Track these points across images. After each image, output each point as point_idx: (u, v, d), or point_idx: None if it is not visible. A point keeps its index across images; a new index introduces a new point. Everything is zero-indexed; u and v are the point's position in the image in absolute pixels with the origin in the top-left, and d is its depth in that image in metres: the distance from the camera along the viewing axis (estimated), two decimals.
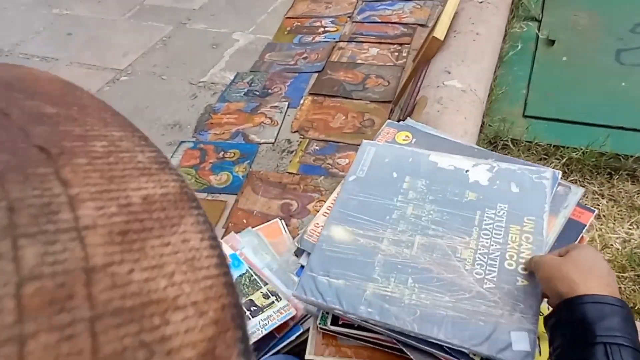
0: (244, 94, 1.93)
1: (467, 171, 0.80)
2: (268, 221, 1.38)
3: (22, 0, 2.99)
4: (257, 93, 1.93)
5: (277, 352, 1.03)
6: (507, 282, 0.65)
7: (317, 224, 0.83)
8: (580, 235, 0.75)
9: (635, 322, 0.50)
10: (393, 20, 2.18)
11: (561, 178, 0.81)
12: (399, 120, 1.05)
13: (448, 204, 0.76)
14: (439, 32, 1.48)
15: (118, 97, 2.07)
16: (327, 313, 0.79)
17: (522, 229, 0.70)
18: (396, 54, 1.98)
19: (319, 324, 0.78)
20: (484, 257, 0.68)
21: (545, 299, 0.64)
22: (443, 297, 0.65)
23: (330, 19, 2.29)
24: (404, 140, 0.94)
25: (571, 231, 0.76)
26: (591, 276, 0.52)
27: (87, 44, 2.46)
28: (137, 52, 2.33)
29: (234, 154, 1.66)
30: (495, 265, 0.67)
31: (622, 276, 1.13)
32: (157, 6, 2.69)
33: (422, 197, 0.78)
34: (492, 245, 0.69)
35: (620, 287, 1.11)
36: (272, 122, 1.77)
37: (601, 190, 1.33)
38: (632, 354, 0.46)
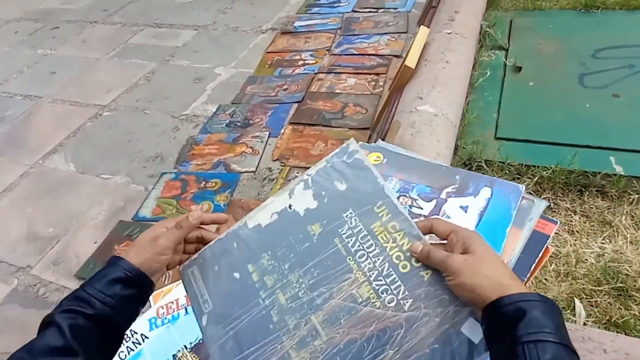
0: (225, 125, 1.97)
1: (290, 206, 0.70)
2: None
3: (7, 41, 3.05)
4: (239, 124, 1.96)
5: None
6: (416, 286, 0.59)
7: None
8: (545, 246, 0.77)
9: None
10: (369, 52, 2.27)
11: (533, 195, 0.84)
12: None
13: (305, 257, 0.65)
14: (411, 61, 1.56)
15: (100, 131, 2.09)
16: None
17: (382, 221, 0.64)
18: (373, 83, 2.05)
19: None
20: (381, 280, 0.61)
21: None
22: (387, 355, 0.57)
23: (310, 53, 2.38)
24: (375, 160, 0.96)
25: (536, 242, 0.78)
26: (506, 272, 0.52)
27: (71, 82, 2.50)
28: (120, 88, 2.37)
29: (215, 183, 1.67)
30: (395, 278, 0.60)
31: (598, 290, 1.15)
32: (141, 44, 2.76)
33: (280, 273, 0.66)
34: (376, 260, 0.62)
35: (596, 301, 1.13)
36: (253, 151, 1.80)
37: (573, 206, 1.37)
38: (551, 348, 0.45)
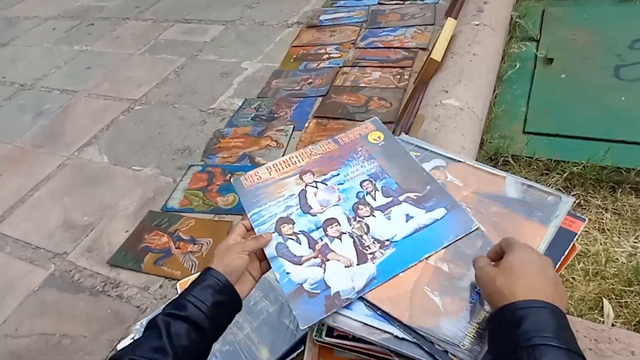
0: (251, 119, 2.00)
1: None
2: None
3: (46, 38, 3.18)
4: (264, 117, 1.99)
5: None
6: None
7: (257, 172, 0.89)
8: (572, 244, 0.76)
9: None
10: (395, 45, 2.24)
11: (564, 192, 0.82)
12: None
13: None
14: (436, 54, 1.53)
15: (132, 125, 2.16)
16: (322, 325, 0.80)
17: None
18: (398, 76, 2.03)
19: (315, 336, 0.79)
20: None
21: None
22: None
23: (335, 46, 2.38)
24: (374, 140, 0.96)
25: (562, 240, 0.76)
26: (519, 283, 0.53)
27: (105, 77, 2.59)
28: (151, 83, 2.44)
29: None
30: None
31: (629, 290, 1.11)
32: (170, 40, 2.83)
33: None
34: None
35: (626, 301, 1.09)
36: (277, 144, 1.82)
37: (605, 204, 1.32)
38: (550, 351, 0.45)
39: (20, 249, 1.65)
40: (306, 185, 0.86)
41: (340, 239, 0.78)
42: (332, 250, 0.76)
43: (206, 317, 0.66)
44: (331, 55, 2.31)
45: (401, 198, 0.83)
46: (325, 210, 0.82)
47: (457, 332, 0.66)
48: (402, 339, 0.70)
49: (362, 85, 2.03)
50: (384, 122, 1.77)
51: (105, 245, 1.58)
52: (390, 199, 0.83)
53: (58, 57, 2.90)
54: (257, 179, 0.87)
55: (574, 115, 1.52)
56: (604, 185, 1.35)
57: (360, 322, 0.72)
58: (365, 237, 0.78)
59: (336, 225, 0.80)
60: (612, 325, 1.04)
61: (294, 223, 0.80)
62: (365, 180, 0.86)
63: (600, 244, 1.22)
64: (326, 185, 0.86)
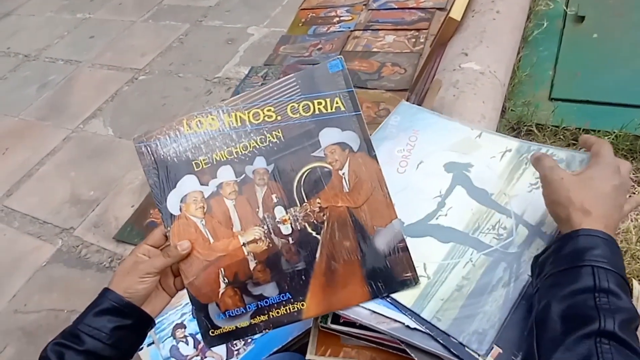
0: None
1: None
2: None
3: (49, 7, 3.09)
4: None
5: (285, 350, 1.00)
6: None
7: None
8: None
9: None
10: (410, 6, 2.09)
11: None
12: None
13: None
14: (456, 12, 1.41)
15: (136, 96, 2.10)
16: None
17: None
18: (413, 40, 1.90)
19: (320, 322, 0.74)
20: None
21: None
22: None
23: (346, 8, 2.23)
24: None
25: None
26: (595, 205, 0.52)
27: (108, 46, 2.51)
28: (154, 51, 2.35)
29: None
30: None
31: None
32: (174, 6, 2.71)
33: None
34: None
35: None
36: None
37: (637, 177, 1.22)
38: (618, 280, 0.46)
39: (28, 223, 1.64)
40: None
41: None
42: (210, 349, 0.97)
43: (106, 346, 0.58)
44: (342, 18, 2.17)
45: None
46: None
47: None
48: (414, 329, 0.65)
49: (374, 50, 1.91)
50: (398, 90, 1.68)
51: (111, 221, 1.56)
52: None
53: (60, 26, 2.81)
54: None
55: (607, 79, 1.39)
56: (637, 156, 1.25)
57: (369, 309, 0.67)
58: None
59: None
60: None
61: (185, 327, 1.03)
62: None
63: (631, 221, 1.13)
64: None
